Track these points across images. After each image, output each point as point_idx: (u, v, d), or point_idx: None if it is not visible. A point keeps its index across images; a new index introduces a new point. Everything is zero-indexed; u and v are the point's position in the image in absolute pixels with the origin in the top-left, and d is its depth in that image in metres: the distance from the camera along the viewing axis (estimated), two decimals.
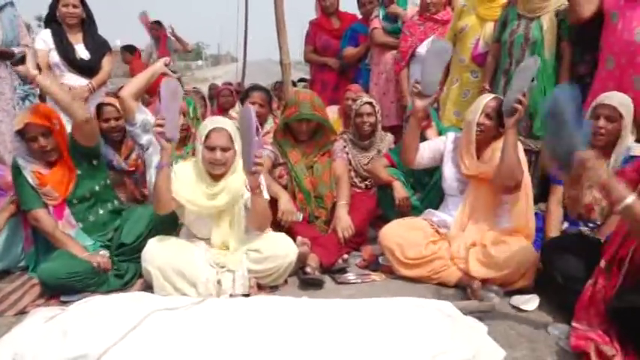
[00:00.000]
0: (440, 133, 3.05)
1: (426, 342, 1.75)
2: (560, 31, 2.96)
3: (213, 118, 2.68)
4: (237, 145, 2.40)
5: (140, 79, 2.94)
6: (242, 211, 2.48)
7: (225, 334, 1.79)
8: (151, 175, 3.09)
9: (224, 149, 2.37)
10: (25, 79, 3.25)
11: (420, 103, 2.54)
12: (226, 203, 2.41)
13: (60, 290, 2.39)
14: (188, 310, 1.96)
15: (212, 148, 2.37)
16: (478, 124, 2.54)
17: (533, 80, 2.54)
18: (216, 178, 2.43)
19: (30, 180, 2.52)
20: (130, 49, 7.16)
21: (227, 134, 2.39)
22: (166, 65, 2.95)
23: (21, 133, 2.50)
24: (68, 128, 2.65)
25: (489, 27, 3.31)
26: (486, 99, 2.57)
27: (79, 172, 2.60)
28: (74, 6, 3.56)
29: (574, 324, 1.91)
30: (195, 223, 2.49)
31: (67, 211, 2.57)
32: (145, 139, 3.10)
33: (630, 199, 1.66)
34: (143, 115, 3.06)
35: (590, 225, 2.56)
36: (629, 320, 1.76)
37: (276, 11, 3.66)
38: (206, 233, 2.47)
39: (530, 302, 2.25)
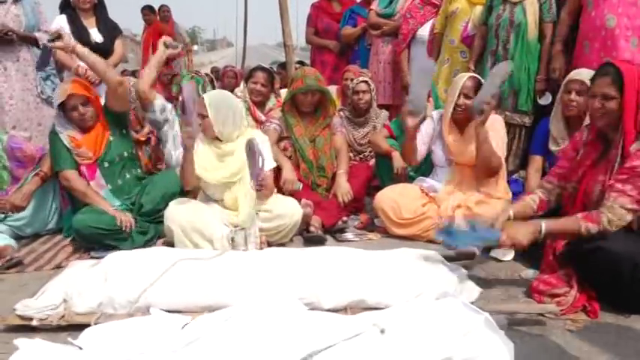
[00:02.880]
0: (436, 108, 3.29)
1: (412, 281, 2.06)
2: (541, 14, 3.22)
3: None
4: (214, 112, 2.68)
5: (151, 70, 3.19)
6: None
7: (244, 277, 2.09)
8: (169, 150, 3.37)
9: (203, 116, 2.68)
10: (45, 62, 3.51)
11: (411, 122, 2.67)
12: (232, 174, 2.72)
13: (90, 243, 2.70)
14: (210, 260, 2.25)
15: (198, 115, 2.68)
16: (458, 105, 2.78)
17: (502, 84, 2.76)
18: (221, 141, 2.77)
19: (66, 143, 2.82)
20: (151, 8, 7.09)
21: (203, 103, 2.69)
22: (166, 45, 3.20)
23: (61, 105, 2.80)
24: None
25: (478, 10, 3.54)
26: (462, 79, 2.79)
27: (110, 137, 2.91)
28: None
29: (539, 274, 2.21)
30: (211, 187, 2.79)
31: (98, 172, 2.87)
32: (161, 117, 3.35)
33: (544, 225, 1.99)
34: (160, 100, 3.31)
35: None
36: (578, 263, 2.07)
37: None
38: (219, 196, 2.77)
39: (507, 254, 2.56)
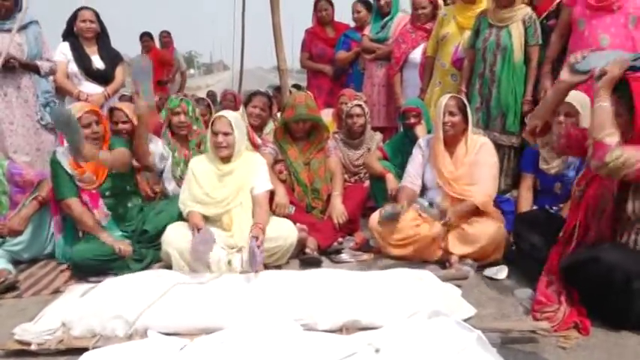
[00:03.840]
0: (429, 131, 3.36)
1: (406, 301, 2.09)
2: (526, 37, 3.32)
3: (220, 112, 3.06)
4: (238, 132, 2.83)
5: (142, 140, 3.05)
6: (247, 199, 2.82)
7: (241, 299, 2.12)
8: (165, 180, 3.42)
9: (225, 134, 2.80)
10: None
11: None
12: (232, 198, 2.78)
13: (88, 271, 2.71)
14: (207, 282, 2.28)
15: (215, 133, 2.80)
16: (445, 123, 2.86)
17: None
18: (225, 161, 2.85)
19: (68, 170, 2.84)
20: (150, 35, 7.06)
21: (227, 121, 2.83)
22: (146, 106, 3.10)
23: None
24: None
25: (467, 35, 3.64)
26: (445, 100, 2.89)
27: (113, 171, 2.94)
28: (91, 21, 3.92)
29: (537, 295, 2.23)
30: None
31: (101, 201, 2.90)
32: (162, 164, 3.42)
33: (607, 103, 1.97)
34: (157, 150, 3.35)
35: (554, 208, 2.92)
36: (577, 274, 2.11)
37: (274, 22, 4.01)
38: (217, 217, 2.80)
39: (500, 272, 2.61)
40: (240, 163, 2.85)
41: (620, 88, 2.04)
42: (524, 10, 3.33)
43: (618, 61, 2.01)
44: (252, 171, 2.88)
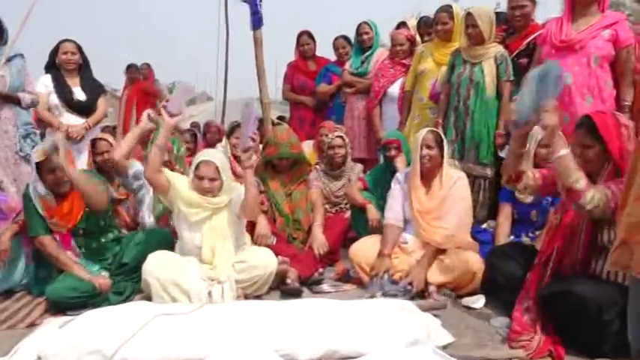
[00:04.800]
0: (409, 163, 3.43)
1: (385, 330, 2.12)
2: (498, 73, 3.47)
3: (205, 150, 3.06)
4: (225, 176, 2.79)
5: (129, 140, 3.19)
6: (226, 220, 2.82)
7: (221, 330, 2.12)
8: (144, 213, 3.43)
9: (212, 179, 2.75)
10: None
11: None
12: (215, 204, 2.78)
13: (66, 309, 2.65)
14: (187, 314, 2.28)
15: (200, 178, 2.75)
16: (422, 157, 2.93)
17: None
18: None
19: (39, 210, 2.80)
20: (137, 67, 7.03)
21: (214, 166, 2.76)
22: (150, 119, 3.20)
23: (38, 166, 2.79)
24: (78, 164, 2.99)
25: (444, 70, 3.78)
26: (422, 134, 2.97)
27: (87, 208, 2.87)
28: (72, 53, 3.98)
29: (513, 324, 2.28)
30: (186, 232, 2.82)
31: (72, 243, 2.86)
32: (135, 184, 3.44)
33: (564, 151, 2.07)
34: (135, 168, 3.39)
35: (530, 235, 3.01)
36: (551, 305, 2.17)
37: (257, 57, 4.11)
38: (196, 243, 2.80)
39: (477, 301, 2.65)
40: (224, 197, 2.82)
41: (585, 123, 2.18)
42: (496, 48, 3.49)
43: (546, 110, 2.09)
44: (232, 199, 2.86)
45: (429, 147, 2.94)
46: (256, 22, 4.11)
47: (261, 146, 4.05)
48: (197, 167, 2.78)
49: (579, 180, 2.05)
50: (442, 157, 2.97)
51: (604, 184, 2.09)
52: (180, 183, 2.82)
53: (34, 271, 2.97)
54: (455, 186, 2.96)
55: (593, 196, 2.02)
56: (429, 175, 3.00)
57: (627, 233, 1.44)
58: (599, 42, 3.08)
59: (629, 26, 3.17)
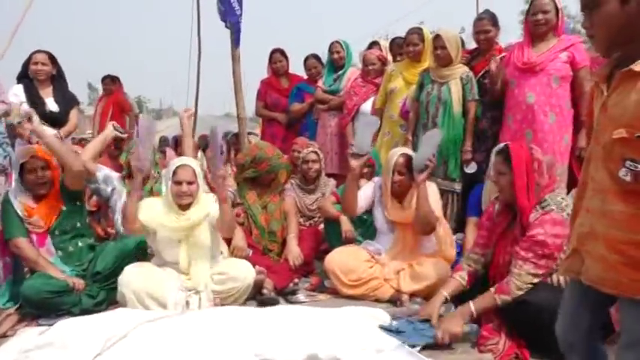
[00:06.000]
0: (378, 173, 3.54)
1: (360, 335, 2.20)
2: (464, 92, 3.66)
3: (180, 157, 3.10)
4: (200, 180, 2.85)
5: (95, 145, 3.35)
6: (205, 237, 2.85)
7: (201, 335, 2.14)
8: (118, 219, 3.44)
9: (189, 182, 2.81)
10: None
11: (355, 163, 2.94)
12: (193, 222, 2.80)
13: (38, 309, 2.65)
14: (166, 319, 2.29)
15: (179, 182, 2.79)
16: (394, 182, 3.04)
17: (437, 146, 3.04)
18: (184, 208, 2.84)
19: (18, 211, 2.82)
20: (111, 77, 6.84)
21: (192, 170, 2.84)
22: (115, 128, 3.37)
23: (21, 167, 2.84)
24: None
25: (414, 89, 3.96)
26: (394, 158, 3.05)
27: (64, 207, 2.93)
28: (43, 64, 3.96)
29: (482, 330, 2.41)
30: (165, 250, 2.84)
31: (48, 240, 2.87)
32: (108, 190, 3.48)
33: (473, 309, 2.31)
34: (102, 171, 3.45)
35: None
36: (510, 315, 2.31)
37: (234, 71, 4.21)
38: (174, 258, 2.82)
39: (448, 309, 2.75)
40: (197, 209, 2.85)
41: (503, 151, 2.42)
42: (462, 69, 3.69)
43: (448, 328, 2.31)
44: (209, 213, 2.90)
45: (400, 173, 3.03)
46: (237, 40, 4.24)
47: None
48: (174, 173, 2.82)
49: (501, 299, 2.26)
50: (413, 178, 3.03)
51: (520, 259, 2.27)
52: (154, 211, 2.81)
53: (12, 282, 2.92)
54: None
55: (517, 287, 2.23)
56: (401, 195, 3.10)
57: (579, 242, 1.49)
58: (557, 64, 3.31)
59: (584, 48, 3.42)
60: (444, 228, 3.11)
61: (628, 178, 1.32)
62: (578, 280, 1.51)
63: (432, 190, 3.06)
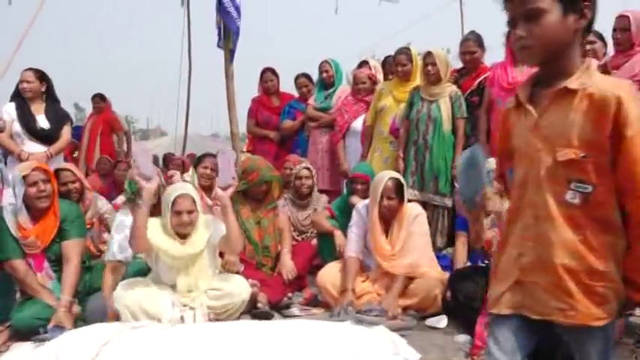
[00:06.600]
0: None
1: (354, 347, 2.22)
2: (453, 110, 3.77)
3: (175, 185, 3.03)
4: (199, 207, 2.83)
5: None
6: (205, 263, 2.84)
7: (194, 349, 2.15)
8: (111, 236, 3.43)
9: (190, 212, 2.76)
10: None
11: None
12: (194, 252, 2.79)
13: (30, 334, 2.58)
14: (160, 332, 2.29)
15: (179, 212, 2.75)
16: (383, 206, 3.03)
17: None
18: (183, 236, 2.80)
19: (13, 232, 2.77)
20: (102, 97, 6.71)
21: (191, 198, 2.79)
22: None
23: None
24: None
25: (403, 106, 4.04)
26: (383, 181, 3.01)
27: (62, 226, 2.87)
28: (28, 82, 3.94)
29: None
30: (164, 274, 2.81)
31: (46, 264, 2.83)
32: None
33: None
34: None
35: (487, 262, 3.21)
36: None
37: (227, 87, 4.27)
38: (173, 281, 2.79)
39: (440, 321, 2.81)
40: (198, 236, 2.82)
41: None
42: (450, 88, 3.80)
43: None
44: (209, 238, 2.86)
45: (389, 198, 3.03)
46: (232, 56, 4.30)
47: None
48: (174, 203, 2.75)
49: None
50: (402, 201, 3.06)
51: None
52: (156, 235, 2.76)
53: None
54: (415, 222, 3.07)
55: None
56: (389, 219, 3.11)
57: (522, 274, 1.34)
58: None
59: None
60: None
61: (576, 201, 1.25)
62: (515, 315, 1.37)
63: (421, 224, 3.09)
